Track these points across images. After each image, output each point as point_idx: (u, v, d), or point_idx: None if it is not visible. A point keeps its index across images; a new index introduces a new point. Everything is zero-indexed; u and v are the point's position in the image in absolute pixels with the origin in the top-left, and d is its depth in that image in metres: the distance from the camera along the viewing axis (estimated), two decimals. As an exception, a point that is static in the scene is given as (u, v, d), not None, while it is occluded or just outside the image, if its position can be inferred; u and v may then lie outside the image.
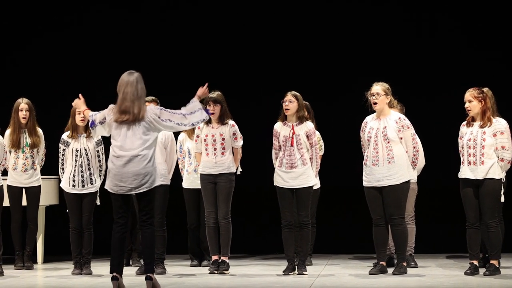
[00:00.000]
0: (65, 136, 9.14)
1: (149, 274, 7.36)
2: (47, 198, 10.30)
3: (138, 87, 7.35)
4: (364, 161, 8.68)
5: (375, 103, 8.61)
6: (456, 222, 10.49)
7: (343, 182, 10.88)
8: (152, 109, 7.42)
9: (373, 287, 7.67)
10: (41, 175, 9.86)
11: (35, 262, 10.12)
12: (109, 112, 7.44)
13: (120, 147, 7.34)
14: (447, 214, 11.10)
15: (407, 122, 8.61)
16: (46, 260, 10.44)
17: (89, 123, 7.58)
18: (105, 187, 7.46)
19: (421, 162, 9.26)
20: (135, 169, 7.29)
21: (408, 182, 8.59)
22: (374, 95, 8.62)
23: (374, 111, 8.69)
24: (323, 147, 9.82)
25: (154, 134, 7.39)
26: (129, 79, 7.35)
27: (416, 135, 8.74)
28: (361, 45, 11.50)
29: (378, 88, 8.64)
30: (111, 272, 7.34)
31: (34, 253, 10.04)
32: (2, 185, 9.24)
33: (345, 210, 11.34)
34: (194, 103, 7.47)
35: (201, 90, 7.64)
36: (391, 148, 8.52)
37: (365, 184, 8.65)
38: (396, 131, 8.54)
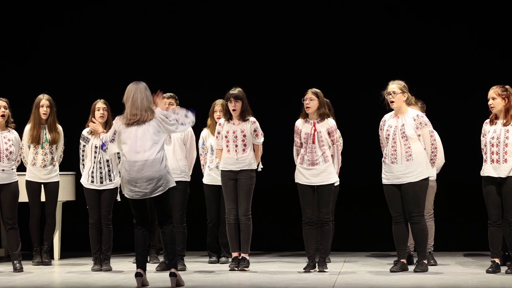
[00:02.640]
0: (85, 132, 9.16)
1: (173, 271, 7.43)
2: (64, 194, 10.29)
3: (147, 93, 7.53)
4: (383, 158, 8.68)
5: (392, 102, 8.61)
6: (474, 220, 10.52)
7: (362, 179, 10.86)
8: (159, 111, 7.58)
9: (396, 285, 7.68)
10: (59, 171, 9.86)
11: (52, 258, 10.13)
12: (117, 121, 7.56)
13: (130, 149, 7.42)
14: (464, 212, 11.11)
15: (425, 119, 8.61)
16: (62, 256, 10.42)
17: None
18: (123, 193, 7.57)
19: (441, 160, 9.26)
20: (148, 173, 7.37)
21: (426, 179, 8.58)
22: (390, 94, 8.62)
23: (392, 110, 8.69)
24: (341, 145, 9.80)
25: (163, 135, 7.51)
26: (138, 87, 7.52)
27: (435, 132, 8.74)
28: (383, 44, 11.43)
29: (394, 86, 8.65)
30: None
31: (52, 249, 10.04)
32: (17, 180, 9.22)
33: (363, 207, 11.32)
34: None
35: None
36: (409, 145, 8.52)
37: (384, 181, 8.65)
38: (414, 129, 8.53)
